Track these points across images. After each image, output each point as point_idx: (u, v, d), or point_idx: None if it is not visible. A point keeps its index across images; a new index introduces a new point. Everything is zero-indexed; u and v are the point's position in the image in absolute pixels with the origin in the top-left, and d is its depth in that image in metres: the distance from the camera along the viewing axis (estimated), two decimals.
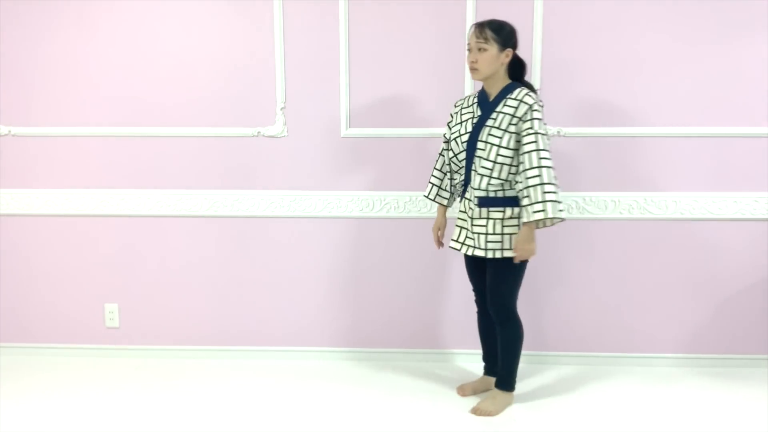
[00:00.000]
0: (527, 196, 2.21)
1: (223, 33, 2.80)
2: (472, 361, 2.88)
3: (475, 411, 2.41)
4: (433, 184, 2.56)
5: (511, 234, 2.30)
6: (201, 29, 2.80)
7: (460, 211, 2.45)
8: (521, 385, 2.59)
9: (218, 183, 2.90)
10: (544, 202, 2.17)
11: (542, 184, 2.18)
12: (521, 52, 2.37)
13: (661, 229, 2.82)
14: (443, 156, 2.52)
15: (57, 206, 2.94)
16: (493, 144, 2.27)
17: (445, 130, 2.51)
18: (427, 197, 2.58)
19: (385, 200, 2.87)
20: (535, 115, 2.22)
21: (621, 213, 2.81)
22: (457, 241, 2.46)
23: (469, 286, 2.60)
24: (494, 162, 2.28)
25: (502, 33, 2.27)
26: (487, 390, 2.58)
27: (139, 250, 2.96)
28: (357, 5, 2.75)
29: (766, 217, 2.78)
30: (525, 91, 2.28)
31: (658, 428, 2.34)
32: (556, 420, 2.40)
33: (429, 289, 2.92)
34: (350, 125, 2.84)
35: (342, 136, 2.84)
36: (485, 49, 2.26)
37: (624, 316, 2.89)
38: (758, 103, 2.72)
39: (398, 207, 2.87)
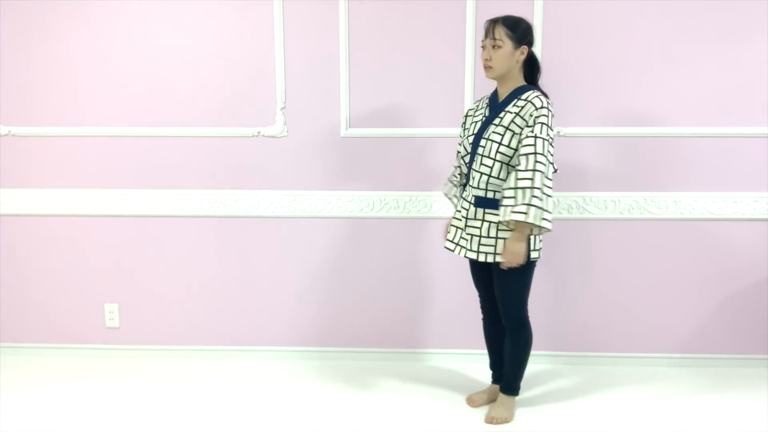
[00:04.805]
0: (513, 197, 2.13)
1: (223, 33, 2.79)
2: (476, 361, 2.86)
3: (492, 420, 2.38)
4: (450, 181, 2.51)
5: (505, 239, 2.22)
6: (201, 29, 2.79)
7: (456, 210, 2.38)
8: (522, 386, 2.59)
9: (218, 183, 2.90)
10: (528, 205, 2.08)
11: (532, 188, 2.09)
12: None
13: (661, 229, 2.82)
14: (458, 156, 2.45)
15: (56, 206, 2.94)
16: (494, 141, 2.21)
17: (460, 131, 2.43)
18: (445, 195, 2.53)
19: (385, 200, 2.87)
20: (542, 119, 2.14)
21: (621, 213, 2.81)
22: (451, 241, 2.38)
23: (472, 286, 2.59)
24: (494, 159, 2.20)
25: (517, 29, 2.19)
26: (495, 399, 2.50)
27: (139, 250, 2.96)
28: (357, 5, 2.74)
29: (766, 217, 2.78)
30: (536, 93, 2.20)
31: (658, 429, 2.34)
32: (556, 420, 2.41)
33: (431, 289, 2.92)
34: (350, 125, 2.83)
35: (342, 136, 2.84)
36: (499, 46, 2.18)
37: (624, 316, 2.89)
38: (758, 104, 2.72)
39: (398, 207, 2.86)
